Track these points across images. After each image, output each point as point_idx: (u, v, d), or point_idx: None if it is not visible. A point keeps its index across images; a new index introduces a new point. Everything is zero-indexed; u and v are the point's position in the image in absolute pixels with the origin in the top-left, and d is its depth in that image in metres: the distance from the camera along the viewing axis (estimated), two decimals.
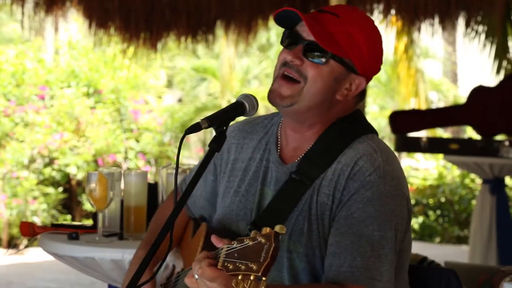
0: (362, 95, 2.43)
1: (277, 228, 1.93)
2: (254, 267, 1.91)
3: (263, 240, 1.92)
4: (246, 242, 1.95)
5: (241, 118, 2.43)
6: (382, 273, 2.26)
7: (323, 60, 2.33)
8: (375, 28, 2.41)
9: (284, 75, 2.35)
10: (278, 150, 2.46)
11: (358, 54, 2.35)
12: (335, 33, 2.33)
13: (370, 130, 2.43)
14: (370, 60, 2.38)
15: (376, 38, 2.40)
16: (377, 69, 2.42)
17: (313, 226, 2.34)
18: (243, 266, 1.93)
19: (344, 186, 2.32)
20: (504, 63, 10.04)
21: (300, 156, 2.40)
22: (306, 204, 2.35)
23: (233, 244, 1.99)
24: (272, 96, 2.37)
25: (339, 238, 2.29)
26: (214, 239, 2.12)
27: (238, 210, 2.46)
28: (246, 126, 2.56)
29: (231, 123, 2.34)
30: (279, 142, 2.47)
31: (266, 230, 1.94)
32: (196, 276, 2.09)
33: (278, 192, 2.39)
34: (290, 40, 2.38)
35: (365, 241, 2.26)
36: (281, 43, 2.40)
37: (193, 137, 14.79)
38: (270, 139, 2.49)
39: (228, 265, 1.97)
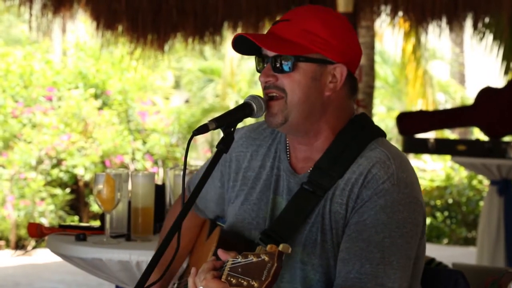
0: (353, 89, 2.39)
1: (282, 247, 1.95)
2: (256, 284, 1.93)
3: (266, 258, 1.94)
4: (250, 258, 1.97)
5: (249, 119, 2.43)
6: (394, 280, 2.24)
7: (290, 67, 2.31)
8: (332, 14, 2.37)
9: (268, 96, 2.35)
10: (288, 158, 2.44)
11: (323, 44, 2.32)
12: (291, 36, 2.32)
13: (378, 133, 2.41)
14: (341, 44, 2.33)
15: (336, 23, 2.35)
16: (354, 52, 2.37)
17: (327, 236, 2.32)
18: (245, 282, 1.95)
19: (357, 194, 2.30)
20: None
21: (311, 167, 2.38)
22: (319, 215, 2.33)
23: (238, 258, 2.01)
24: (267, 120, 2.36)
25: (349, 244, 2.27)
26: (220, 253, 2.14)
27: (251, 218, 2.44)
28: (253, 133, 2.54)
29: (238, 125, 2.34)
30: (288, 150, 2.45)
31: (271, 248, 1.95)
32: (200, 287, 2.10)
33: (290, 203, 2.36)
34: (259, 63, 2.38)
35: (375, 247, 2.24)
36: (256, 70, 2.41)
37: (200, 138, 14.79)
38: (278, 146, 2.47)
39: (231, 279, 1.99)
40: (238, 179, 2.52)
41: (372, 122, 2.44)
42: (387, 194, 2.27)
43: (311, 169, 2.37)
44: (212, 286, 2.07)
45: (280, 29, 2.34)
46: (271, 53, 2.33)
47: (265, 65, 2.36)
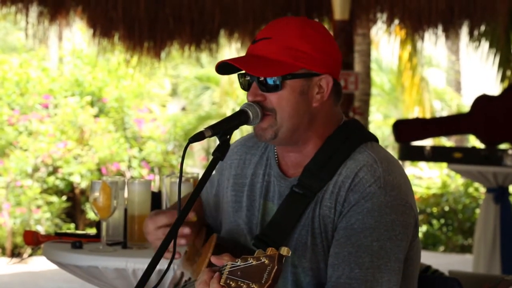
0: (338, 94, 2.41)
1: (283, 250, 1.94)
2: (255, 287, 1.91)
3: (266, 261, 1.93)
4: (250, 261, 1.96)
5: (245, 127, 2.43)
6: (383, 283, 2.24)
7: (278, 85, 2.32)
8: (309, 25, 2.38)
9: None
10: (278, 164, 2.46)
11: (307, 58, 2.33)
12: (274, 55, 2.32)
13: (369, 138, 2.42)
14: (323, 56, 2.35)
15: (315, 35, 2.36)
16: (335, 60, 2.39)
17: (317, 240, 2.33)
18: (244, 285, 1.94)
19: (344, 198, 2.31)
20: (508, 72, 10.04)
21: (301, 170, 2.39)
22: (309, 218, 2.34)
23: (237, 262, 1.99)
24: (257, 135, 2.38)
25: (338, 249, 2.28)
26: (213, 260, 2.14)
27: (244, 224, 2.46)
28: (248, 142, 2.56)
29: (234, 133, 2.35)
30: (276, 158, 2.47)
31: (271, 251, 1.95)
32: None
33: (281, 206, 2.38)
34: (245, 83, 2.39)
35: (364, 251, 2.25)
36: (241, 88, 2.42)
37: (196, 146, 14.80)
38: (269, 154, 2.50)
39: (231, 282, 1.98)
40: (229, 186, 2.54)
41: (363, 127, 2.46)
42: (374, 197, 2.28)
43: (301, 172, 2.39)
44: None
45: (263, 48, 2.34)
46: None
47: (250, 85, 2.37)
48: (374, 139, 2.43)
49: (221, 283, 2.03)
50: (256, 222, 2.44)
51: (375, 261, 2.24)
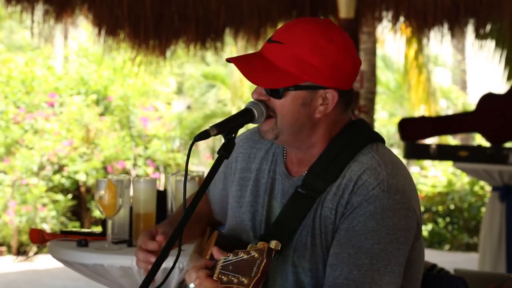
0: (348, 102, 2.37)
1: (272, 244, 1.95)
2: (245, 281, 1.93)
3: (256, 255, 1.94)
4: (241, 256, 1.98)
5: (250, 125, 2.43)
6: (381, 286, 2.24)
7: (280, 94, 2.30)
8: (326, 33, 2.32)
9: None
10: (285, 161, 2.45)
11: (313, 72, 2.29)
12: (282, 63, 2.29)
13: (374, 139, 2.40)
14: (332, 70, 2.30)
15: (329, 46, 2.30)
16: (346, 73, 2.32)
17: (317, 240, 2.33)
18: (235, 280, 1.96)
19: (347, 200, 2.30)
20: None
21: (306, 171, 2.38)
22: (310, 219, 2.34)
23: (229, 257, 2.01)
24: (260, 134, 2.38)
25: (338, 249, 2.28)
26: (215, 252, 2.14)
27: (248, 220, 2.46)
28: (254, 135, 2.55)
29: (240, 130, 2.35)
30: (285, 154, 2.46)
31: (261, 244, 1.96)
32: (192, 285, 2.11)
33: (285, 207, 2.38)
34: None
35: (364, 254, 2.24)
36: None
37: (202, 144, 14.80)
38: (276, 150, 2.48)
39: (223, 277, 1.99)
40: (235, 180, 2.53)
41: (369, 128, 2.44)
42: (377, 200, 2.27)
43: (305, 172, 2.38)
44: (205, 285, 2.08)
45: (273, 53, 2.32)
46: None
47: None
48: (380, 139, 2.41)
49: (214, 278, 2.05)
50: (260, 219, 2.43)
51: (375, 263, 2.24)
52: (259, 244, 1.96)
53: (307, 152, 2.39)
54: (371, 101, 8.45)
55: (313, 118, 2.34)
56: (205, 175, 2.36)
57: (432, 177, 13.71)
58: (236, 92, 15.80)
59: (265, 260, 1.92)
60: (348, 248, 2.26)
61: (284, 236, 2.33)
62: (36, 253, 9.12)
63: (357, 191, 2.29)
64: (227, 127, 2.27)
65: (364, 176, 2.30)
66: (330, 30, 2.33)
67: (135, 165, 11.45)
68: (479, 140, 14.07)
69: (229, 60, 2.34)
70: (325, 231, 2.32)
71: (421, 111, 14.83)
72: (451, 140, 15.79)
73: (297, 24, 2.35)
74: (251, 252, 1.95)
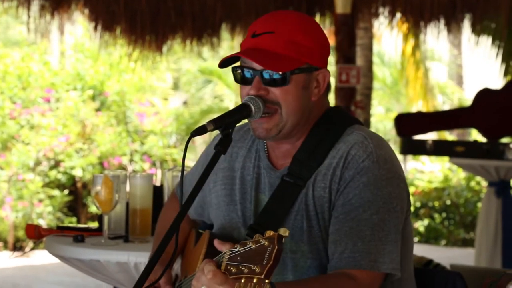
0: (329, 86, 2.44)
1: (281, 231, 1.93)
2: (257, 269, 1.90)
3: (266, 243, 1.92)
4: (249, 245, 1.95)
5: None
6: (384, 255, 2.27)
7: (286, 80, 2.32)
8: (306, 18, 2.40)
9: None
10: (268, 156, 2.47)
11: (309, 53, 2.34)
12: (280, 49, 2.32)
13: (353, 121, 2.45)
14: (321, 49, 2.38)
15: (312, 27, 2.39)
16: (327, 52, 2.42)
17: (313, 222, 2.35)
18: (246, 269, 1.92)
19: (340, 176, 2.33)
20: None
21: (290, 162, 2.40)
22: (302, 203, 2.36)
23: (236, 248, 1.98)
24: (259, 134, 2.37)
25: (338, 225, 2.30)
26: (216, 243, 2.11)
27: (237, 218, 2.46)
28: (234, 135, 2.50)
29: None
30: (266, 149, 2.48)
31: (270, 233, 1.94)
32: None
33: (273, 195, 2.39)
34: (243, 76, 2.36)
35: (364, 225, 2.27)
36: (236, 81, 2.39)
37: (198, 140, 14.79)
38: (258, 147, 2.50)
39: (231, 268, 1.96)
40: (218, 180, 2.54)
41: (346, 113, 2.50)
42: (368, 171, 2.31)
43: (290, 162, 2.40)
44: (215, 281, 1.96)
45: (267, 43, 2.33)
46: (259, 67, 2.32)
47: (250, 78, 2.34)
48: (358, 122, 2.46)
49: (221, 270, 2.01)
50: (250, 214, 2.44)
51: (376, 233, 2.27)
52: (267, 233, 1.94)
53: (293, 142, 2.41)
54: (367, 97, 8.46)
55: (311, 102, 2.39)
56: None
57: (428, 172, 13.72)
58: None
59: (276, 247, 1.90)
60: (348, 222, 2.28)
61: (272, 223, 2.34)
62: (32, 249, 9.11)
63: (348, 165, 2.33)
64: (224, 122, 2.27)
65: (352, 150, 2.34)
66: (304, 14, 2.44)
67: (131, 160, 11.44)
68: (475, 135, 14.08)
69: (227, 58, 2.33)
70: (321, 211, 2.34)
71: (419, 106, 14.84)
72: (448, 135, 15.81)
73: (276, 15, 2.40)
74: (260, 241, 1.93)
